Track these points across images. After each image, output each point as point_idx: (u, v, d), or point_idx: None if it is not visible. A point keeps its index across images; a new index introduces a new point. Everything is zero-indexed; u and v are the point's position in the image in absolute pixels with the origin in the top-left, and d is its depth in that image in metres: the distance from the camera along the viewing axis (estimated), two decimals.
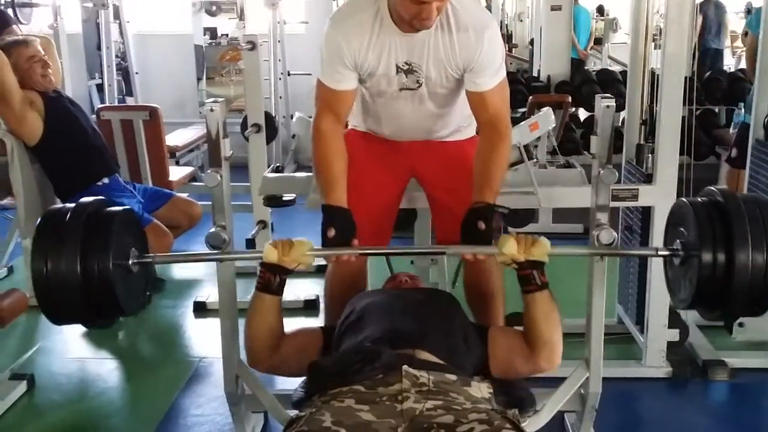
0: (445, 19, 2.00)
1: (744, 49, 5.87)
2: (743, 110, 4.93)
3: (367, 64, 2.05)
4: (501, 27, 6.70)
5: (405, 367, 1.67)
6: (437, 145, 2.30)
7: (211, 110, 2.07)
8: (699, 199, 1.84)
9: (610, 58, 7.47)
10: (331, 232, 1.98)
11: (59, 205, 1.87)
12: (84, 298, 1.75)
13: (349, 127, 2.25)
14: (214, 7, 6.27)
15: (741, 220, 1.71)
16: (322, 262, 2.81)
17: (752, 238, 1.68)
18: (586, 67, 6.95)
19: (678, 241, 1.86)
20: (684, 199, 1.88)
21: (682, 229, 1.85)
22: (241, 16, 5.93)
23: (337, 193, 2.05)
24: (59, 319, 1.85)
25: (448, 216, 2.18)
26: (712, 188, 1.85)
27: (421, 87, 2.10)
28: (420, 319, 1.96)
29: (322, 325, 2.29)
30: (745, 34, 5.16)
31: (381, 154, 2.28)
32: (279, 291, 1.98)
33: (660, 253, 1.91)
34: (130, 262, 1.88)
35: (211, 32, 7.06)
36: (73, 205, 1.83)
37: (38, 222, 1.80)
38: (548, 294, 1.93)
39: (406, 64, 2.05)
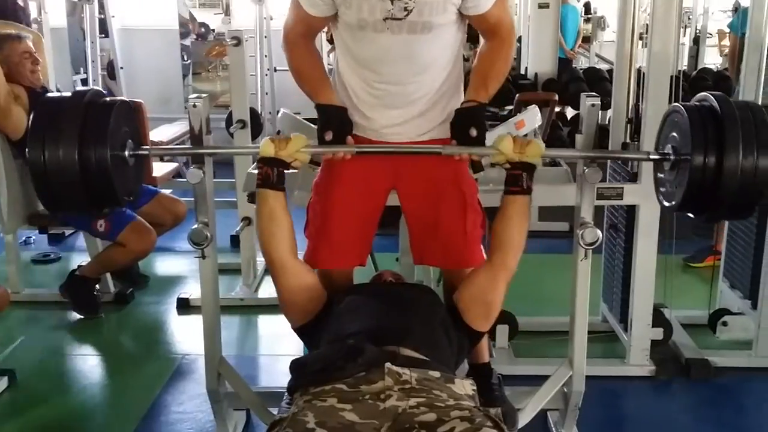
0: None
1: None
2: None
3: None
4: None
5: (388, 364, 1.65)
6: (423, 163, 2.14)
7: (195, 106, 2.06)
8: (693, 104, 1.83)
9: (597, 56, 7.49)
10: (329, 136, 1.98)
11: (56, 94, 1.87)
12: (81, 187, 1.75)
13: None
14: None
15: (733, 123, 1.70)
16: None
17: (743, 141, 1.68)
18: (573, 66, 6.96)
19: (669, 145, 1.86)
20: (678, 104, 1.87)
21: (674, 134, 1.85)
22: (227, 11, 5.92)
23: (326, 92, 2.04)
24: (55, 205, 1.89)
25: (426, 239, 2.17)
26: (707, 93, 1.82)
27: (409, 15, 1.92)
28: (403, 314, 1.95)
29: None
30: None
31: (359, 173, 2.14)
32: (279, 185, 1.95)
33: (651, 157, 1.91)
34: (127, 153, 1.87)
35: None
36: (69, 93, 1.84)
37: (36, 108, 1.80)
38: (528, 200, 1.95)
39: None
